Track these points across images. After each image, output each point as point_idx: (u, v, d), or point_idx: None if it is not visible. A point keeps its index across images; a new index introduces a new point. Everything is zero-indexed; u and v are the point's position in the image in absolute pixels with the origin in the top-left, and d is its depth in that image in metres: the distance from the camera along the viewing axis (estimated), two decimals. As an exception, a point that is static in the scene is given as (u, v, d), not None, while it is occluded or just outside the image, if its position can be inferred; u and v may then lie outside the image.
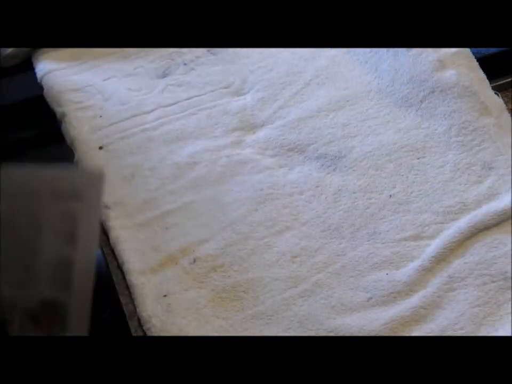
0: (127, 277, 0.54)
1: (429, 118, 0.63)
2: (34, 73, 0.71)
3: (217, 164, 0.61)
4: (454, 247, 0.54)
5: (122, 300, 0.54)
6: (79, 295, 0.41)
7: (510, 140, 0.60)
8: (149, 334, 0.50)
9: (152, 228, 0.57)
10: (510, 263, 0.53)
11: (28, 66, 0.72)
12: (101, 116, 0.65)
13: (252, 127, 0.65)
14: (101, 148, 0.62)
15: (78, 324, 0.42)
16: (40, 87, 0.70)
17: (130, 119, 0.65)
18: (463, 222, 0.55)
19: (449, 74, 0.62)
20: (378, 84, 0.66)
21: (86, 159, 0.61)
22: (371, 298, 0.52)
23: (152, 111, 0.66)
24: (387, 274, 0.54)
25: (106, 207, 0.58)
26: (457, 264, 0.54)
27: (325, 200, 0.58)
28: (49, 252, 0.41)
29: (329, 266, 0.54)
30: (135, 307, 0.52)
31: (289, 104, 0.66)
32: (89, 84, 0.68)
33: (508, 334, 0.49)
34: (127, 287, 0.54)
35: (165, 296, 0.52)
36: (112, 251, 0.56)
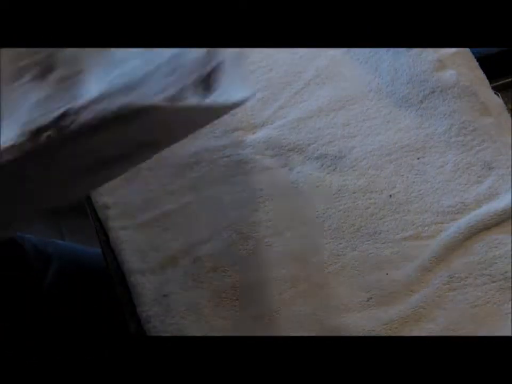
0: (127, 277, 0.54)
1: (429, 118, 0.63)
2: (34, 73, 0.71)
3: (217, 164, 0.61)
4: (454, 247, 0.54)
5: (123, 300, 0.54)
6: None
7: (510, 140, 0.60)
8: (149, 334, 0.50)
9: (152, 228, 0.57)
10: (510, 263, 0.53)
11: (27, 66, 0.72)
12: (101, 116, 0.65)
13: (252, 127, 0.65)
14: (101, 148, 0.62)
15: None
16: (40, 87, 0.70)
17: (130, 119, 0.65)
18: (463, 222, 0.55)
19: (449, 74, 0.62)
20: (378, 83, 0.66)
21: (86, 159, 0.62)
22: (371, 298, 0.52)
23: (152, 111, 0.66)
24: (387, 274, 0.54)
25: (107, 207, 0.58)
26: (457, 264, 0.54)
27: (325, 200, 0.58)
28: None
29: (329, 266, 0.54)
30: (135, 307, 0.52)
31: (289, 104, 0.66)
32: (89, 84, 0.68)
33: (508, 334, 0.49)
34: (127, 287, 0.54)
35: (165, 296, 0.52)
36: (112, 251, 0.56)
